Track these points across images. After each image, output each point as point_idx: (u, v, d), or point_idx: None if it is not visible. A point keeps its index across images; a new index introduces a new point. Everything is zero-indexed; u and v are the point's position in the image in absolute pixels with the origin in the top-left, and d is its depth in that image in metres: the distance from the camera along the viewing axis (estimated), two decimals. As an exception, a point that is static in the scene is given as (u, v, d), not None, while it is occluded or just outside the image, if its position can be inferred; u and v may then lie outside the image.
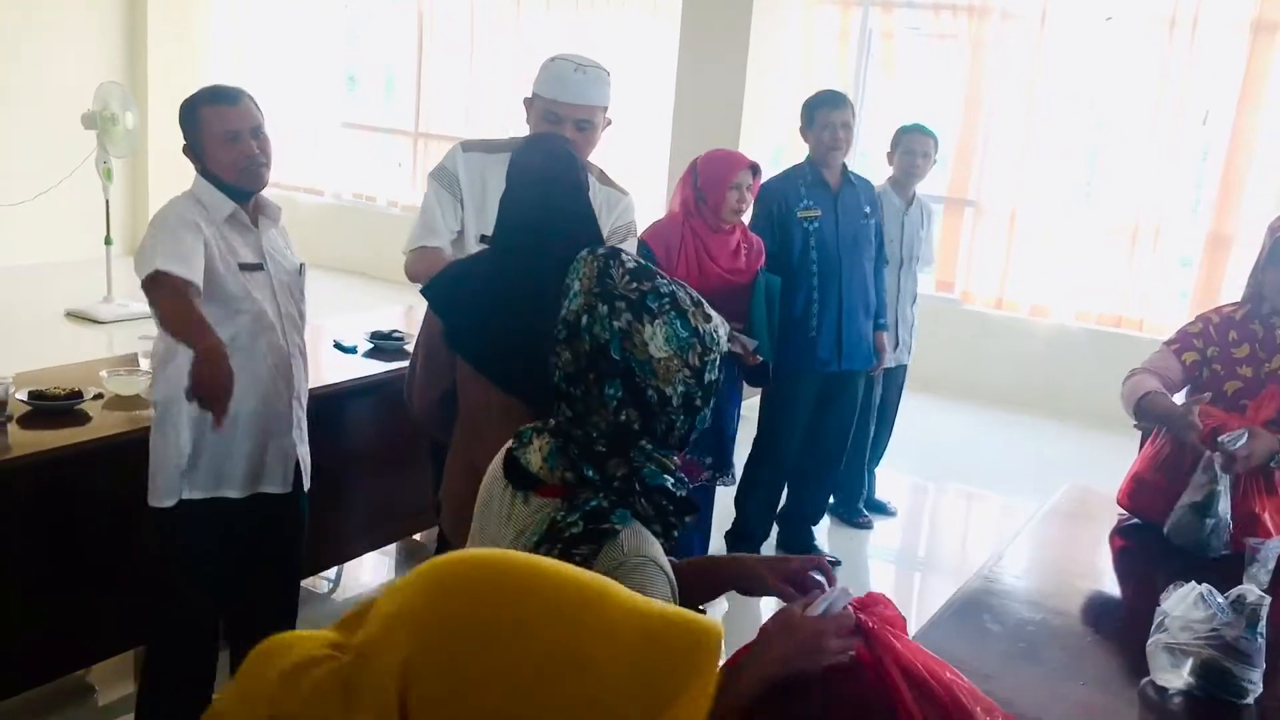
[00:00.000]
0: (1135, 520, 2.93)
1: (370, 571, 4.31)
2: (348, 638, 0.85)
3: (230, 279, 2.66)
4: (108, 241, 7.32)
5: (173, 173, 9.22)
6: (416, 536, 4.37)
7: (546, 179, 2.35)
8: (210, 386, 2.39)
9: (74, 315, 7.29)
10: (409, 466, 4.01)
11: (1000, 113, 6.97)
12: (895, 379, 4.91)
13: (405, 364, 3.83)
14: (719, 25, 6.90)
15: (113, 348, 6.96)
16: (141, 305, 7.41)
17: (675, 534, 1.44)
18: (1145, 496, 2.85)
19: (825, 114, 4.12)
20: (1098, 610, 2.51)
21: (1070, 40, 6.72)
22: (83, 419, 3.03)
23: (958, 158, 7.15)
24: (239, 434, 2.69)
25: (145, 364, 3.40)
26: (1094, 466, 5.96)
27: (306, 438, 2.90)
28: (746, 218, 3.99)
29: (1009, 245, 7.00)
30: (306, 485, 2.90)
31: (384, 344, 3.98)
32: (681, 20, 7.10)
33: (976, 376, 7.02)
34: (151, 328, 2.78)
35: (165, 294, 2.48)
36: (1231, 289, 6.51)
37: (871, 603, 1.45)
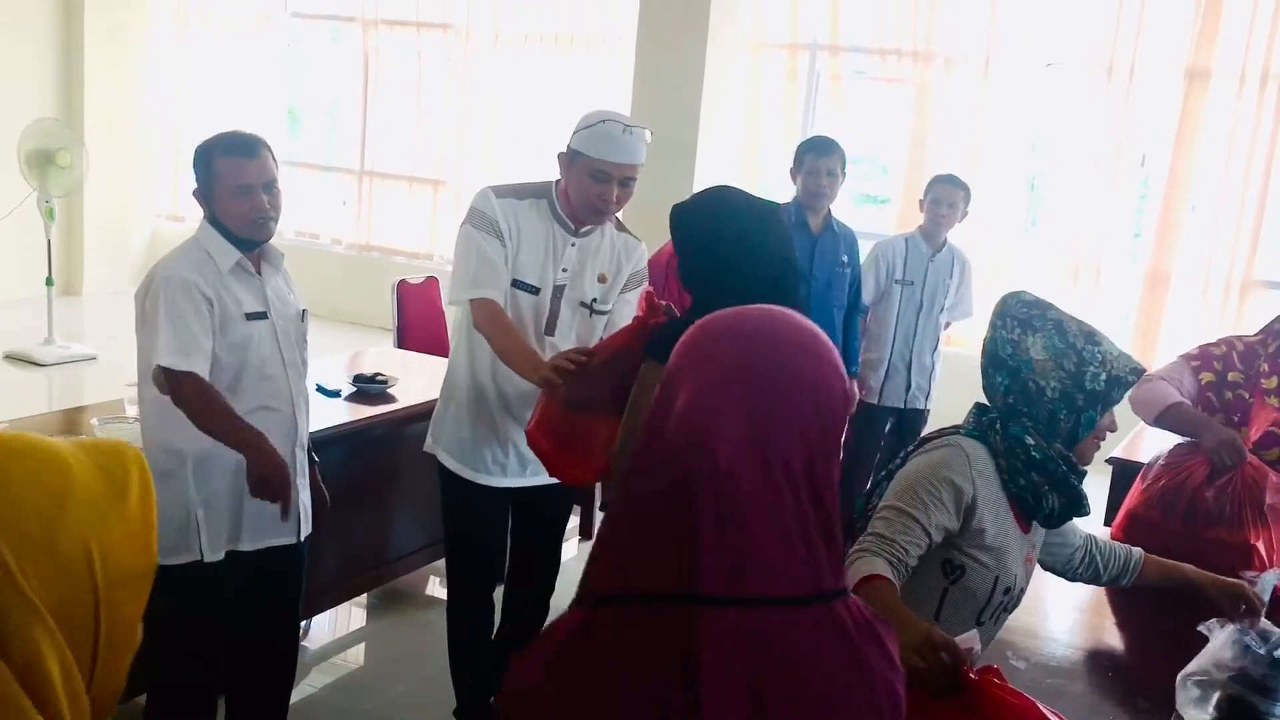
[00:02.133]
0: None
1: (342, 620, 4.24)
2: None
3: (236, 329, 2.64)
4: (49, 283, 7.15)
5: (110, 210, 9.11)
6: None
7: (774, 225, 2.42)
8: (267, 486, 2.50)
9: (13, 358, 7.08)
10: (388, 512, 3.98)
11: (945, 154, 7.14)
12: (914, 424, 4.90)
13: (389, 408, 3.87)
14: (672, 70, 7.00)
15: (53, 390, 6.79)
16: (84, 347, 7.31)
17: (1022, 481, 1.96)
18: (1141, 534, 2.92)
19: (812, 160, 4.21)
20: (1119, 645, 2.56)
21: (1012, 85, 6.94)
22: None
23: (905, 198, 7.30)
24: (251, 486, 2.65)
25: (132, 411, 3.34)
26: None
27: (308, 484, 2.87)
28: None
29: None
30: (307, 532, 2.87)
31: (367, 387, 3.94)
32: (635, 65, 7.18)
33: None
34: (134, 374, 2.76)
35: (187, 394, 2.54)
36: (1171, 324, 6.75)
37: (986, 671, 1.51)
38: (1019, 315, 1.99)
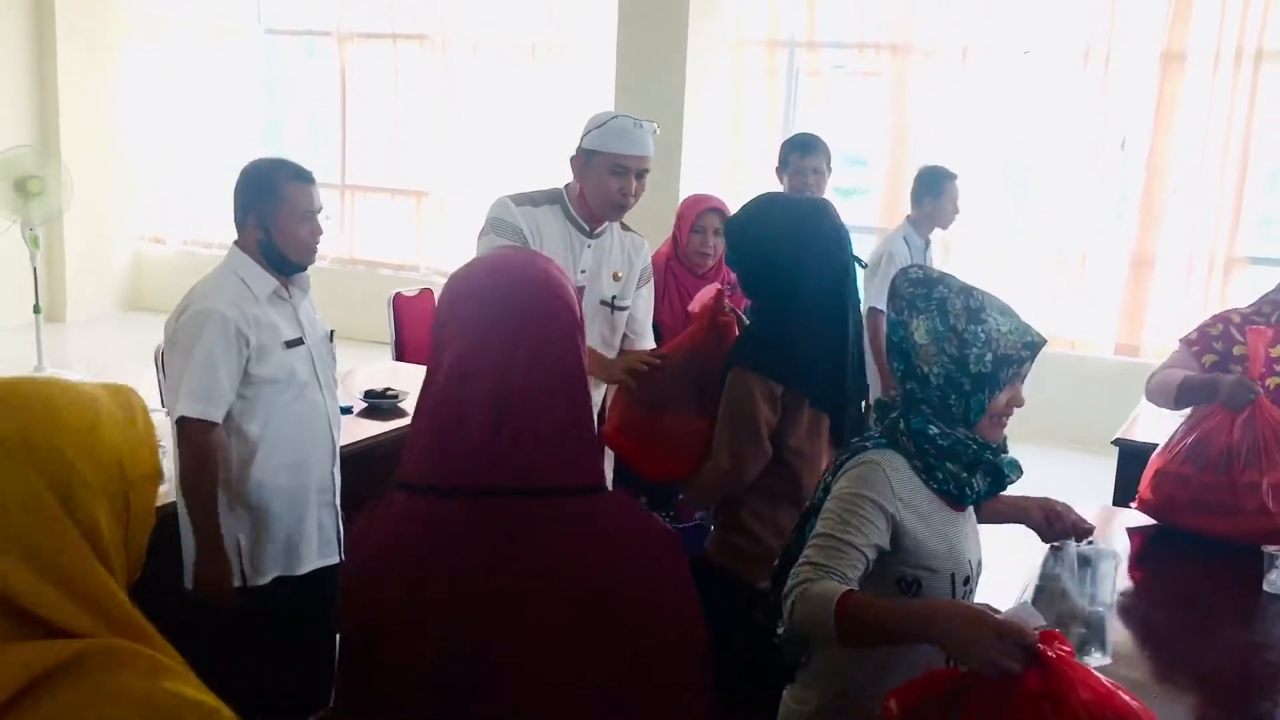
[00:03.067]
0: (1148, 536, 3.06)
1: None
2: None
3: (276, 357, 2.66)
4: (37, 310, 7.09)
5: (90, 234, 9.05)
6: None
7: (834, 227, 2.49)
8: (210, 586, 2.60)
9: (3, 387, 7.01)
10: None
11: (926, 145, 7.21)
12: None
13: (402, 423, 3.87)
14: (654, 73, 7.02)
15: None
16: (74, 374, 7.23)
17: (940, 475, 1.86)
18: (1172, 488, 2.97)
19: (798, 159, 4.24)
20: (1157, 637, 2.59)
21: (990, 75, 7.01)
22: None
23: (887, 190, 7.37)
24: (308, 509, 2.69)
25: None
26: (1043, 484, 6.19)
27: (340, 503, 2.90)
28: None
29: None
30: (343, 552, 2.89)
31: (379, 403, 3.95)
32: (616, 69, 7.19)
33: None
34: (155, 399, 2.77)
35: (187, 449, 2.59)
36: (1157, 304, 6.84)
37: (1050, 638, 1.51)
38: (905, 296, 1.89)
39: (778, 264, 2.47)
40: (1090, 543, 2.14)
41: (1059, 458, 6.60)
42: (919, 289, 1.88)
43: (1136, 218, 6.86)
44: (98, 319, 9.25)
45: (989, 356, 1.82)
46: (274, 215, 2.68)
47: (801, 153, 4.24)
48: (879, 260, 4.86)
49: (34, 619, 1.03)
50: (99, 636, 1.04)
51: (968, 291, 1.88)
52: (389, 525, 1.51)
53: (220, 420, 2.60)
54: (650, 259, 3.33)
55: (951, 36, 7.01)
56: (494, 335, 1.48)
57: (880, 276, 4.76)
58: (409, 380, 4.38)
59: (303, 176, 2.71)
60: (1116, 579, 2.18)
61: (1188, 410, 3.13)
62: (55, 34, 8.71)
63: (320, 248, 8.91)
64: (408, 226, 8.86)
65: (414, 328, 5.68)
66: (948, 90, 7.08)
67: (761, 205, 2.56)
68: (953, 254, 7.17)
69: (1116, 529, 3.18)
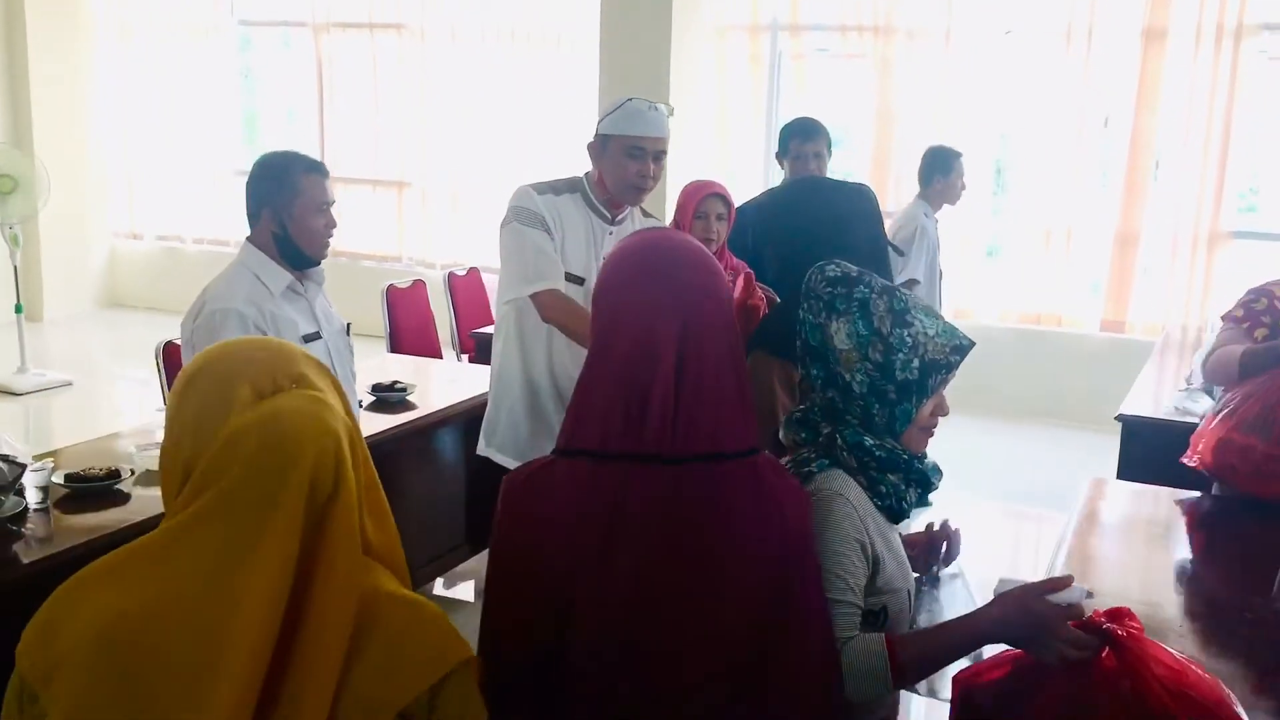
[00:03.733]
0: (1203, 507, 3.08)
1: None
2: None
3: None
4: (18, 309, 7.00)
5: (66, 232, 8.92)
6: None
7: (869, 212, 2.45)
8: None
9: (-12, 389, 6.94)
10: (416, 519, 3.97)
11: (911, 126, 7.23)
12: None
13: (413, 415, 3.85)
14: (638, 60, 7.00)
15: (34, 418, 6.67)
16: (57, 374, 7.17)
17: (884, 489, 1.72)
18: (1233, 457, 2.95)
19: (798, 144, 4.22)
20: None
21: (973, 55, 7.03)
22: (122, 499, 2.92)
23: (874, 171, 7.39)
24: None
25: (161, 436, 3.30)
26: (1037, 460, 6.24)
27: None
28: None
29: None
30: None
31: (387, 396, 3.92)
32: (600, 57, 7.16)
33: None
34: (146, 397, 2.74)
35: None
36: (1142, 282, 6.90)
37: (1119, 615, 1.52)
38: (823, 295, 1.73)
39: (808, 249, 2.45)
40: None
41: (1048, 436, 6.66)
42: (839, 288, 1.73)
43: (1120, 195, 6.91)
44: (76, 317, 9.15)
45: (916, 363, 1.68)
46: (290, 208, 2.66)
47: (802, 138, 4.22)
48: (912, 235, 5.01)
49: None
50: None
51: (890, 292, 1.74)
52: (568, 492, 1.52)
53: None
54: None
55: (934, 17, 7.03)
56: (671, 313, 1.52)
57: (917, 248, 4.97)
58: (409, 373, 4.36)
59: (318, 169, 2.70)
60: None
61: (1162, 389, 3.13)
62: (26, 30, 8.59)
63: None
64: (389, 218, 8.80)
65: (408, 320, 5.65)
66: (931, 71, 7.10)
67: (799, 189, 2.55)
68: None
69: (1128, 503, 3.22)
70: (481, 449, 3.17)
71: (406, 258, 8.71)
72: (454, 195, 8.50)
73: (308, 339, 2.67)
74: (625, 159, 2.98)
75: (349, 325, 2.88)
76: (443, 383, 4.28)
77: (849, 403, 1.71)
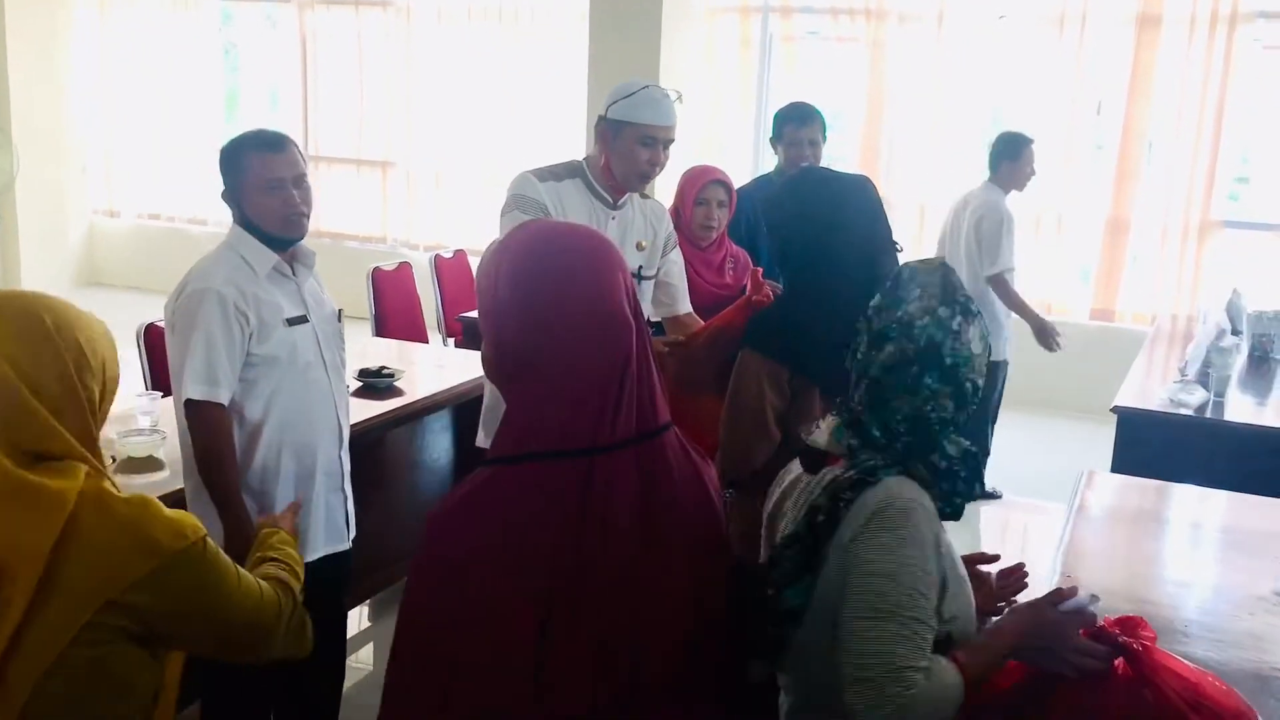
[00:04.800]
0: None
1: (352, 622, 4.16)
2: None
3: (277, 336, 2.56)
4: None
5: (43, 209, 8.79)
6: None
7: (866, 207, 2.36)
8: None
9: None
10: (405, 508, 3.90)
11: (903, 111, 7.18)
12: (994, 376, 5.00)
13: (401, 401, 3.78)
14: (628, 43, 6.91)
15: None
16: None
17: (958, 501, 1.59)
18: None
19: (793, 130, 4.14)
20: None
21: (966, 39, 6.98)
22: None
23: (864, 156, 7.33)
24: (314, 494, 2.59)
25: (144, 421, 3.23)
26: (1026, 451, 6.22)
27: (350, 487, 2.81)
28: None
29: (920, 238, 7.21)
30: (353, 535, 2.81)
31: (375, 382, 3.84)
32: (589, 38, 7.07)
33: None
34: (141, 385, 2.66)
35: (201, 431, 2.50)
36: (1133, 269, 6.88)
37: (1133, 625, 1.49)
38: (959, 300, 1.58)
39: (803, 243, 2.37)
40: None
41: (1036, 425, 6.64)
42: (961, 290, 1.60)
43: (1112, 182, 6.88)
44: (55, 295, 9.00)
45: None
46: (241, 188, 2.58)
47: (797, 123, 4.15)
48: (999, 224, 5.12)
49: (51, 454, 1.49)
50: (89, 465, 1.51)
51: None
52: (528, 497, 1.48)
53: (226, 402, 2.50)
54: (672, 224, 3.35)
55: (926, 2, 6.97)
56: (602, 303, 1.52)
57: (1008, 235, 5.13)
58: (395, 357, 4.29)
59: (269, 145, 2.57)
60: None
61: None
62: (1, 3, 8.42)
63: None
64: (374, 198, 8.70)
65: (394, 303, 5.57)
66: (923, 56, 7.04)
67: (797, 180, 2.49)
68: (927, 221, 7.16)
69: (1130, 497, 3.19)
70: (481, 441, 3.10)
71: (391, 239, 8.62)
72: (439, 176, 8.41)
73: (292, 322, 2.59)
74: (638, 147, 2.97)
75: (340, 311, 2.81)
76: (431, 368, 4.21)
77: (963, 408, 1.58)
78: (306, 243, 2.70)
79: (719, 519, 1.61)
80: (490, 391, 3.10)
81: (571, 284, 1.51)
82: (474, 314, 5.24)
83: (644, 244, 3.17)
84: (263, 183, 2.54)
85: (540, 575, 1.45)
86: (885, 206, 2.44)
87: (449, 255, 6.20)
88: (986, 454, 5.17)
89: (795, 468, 1.73)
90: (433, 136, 8.34)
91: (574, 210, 3.00)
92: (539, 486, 1.47)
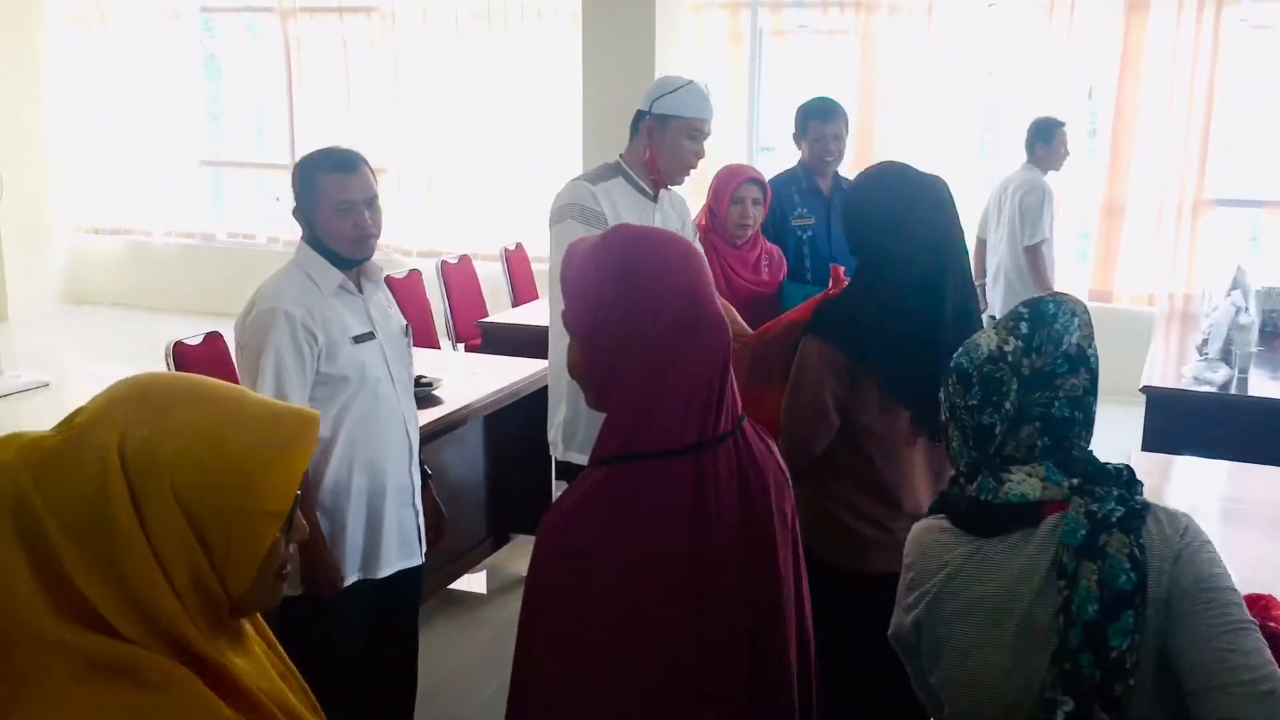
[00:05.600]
0: None
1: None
2: (66, 428, 1.16)
3: (345, 354, 2.55)
4: (-10, 310, 6.80)
5: (27, 228, 8.66)
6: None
7: (936, 203, 2.37)
8: (325, 584, 2.54)
9: (-37, 393, 6.74)
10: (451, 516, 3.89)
11: (895, 101, 7.22)
12: None
13: (443, 411, 3.76)
14: (621, 39, 6.90)
15: (19, 421, 6.48)
16: (33, 374, 6.96)
17: None
18: None
19: (818, 126, 4.16)
20: None
21: (956, 28, 7.03)
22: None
23: (859, 147, 7.35)
24: (385, 510, 2.60)
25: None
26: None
27: (422, 502, 2.80)
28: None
29: (917, 228, 7.26)
30: (425, 551, 2.81)
31: (415, 391, 3.81)
32: (583, 37, 7.06)
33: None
34: None
35: None
36: (1129, 250, 6.96)
37: (1268, 606, 1.51)
38: (1083, 315, 1.59)
39: (875, 233, 2.40)
40: None
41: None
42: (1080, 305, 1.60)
43: (1105, 165, 6.95)
44: (41, 315, 8.89)
45: None
46: (313, 209, 2.58)
47: (821, 119, 4.17)
48: (1041, 199, 5.54)
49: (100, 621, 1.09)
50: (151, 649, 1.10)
51: None
52: (647, 495, 1.49)
53: None
54: (690, 213, 3.46)
55: (916, -9, 7.02)
56: (700, 303, 1.55)
57: (1048, 207, 5.56)
58: (423, 365, 4.24)
59: (340, 167, 2.58)
60: None
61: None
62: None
63: (272, 231, 8.74)
64: (365, 205, 8.63)
65: (407, 311, 5.48)
66: (914, 46, 7.09)
67: (877, 170, 2.51)
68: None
69: (1178, 477, 3.23)
70: (560, 454, 3.10)
71: (385, 245, 8.55)
72: (430, 181, 8.37)
73: (359, 339, 2.58)
74: (686, 140, 3.06)
75: (408, 326, 2.80)
76: (463, 375, 4.20)
77: (1090, 424, 1.57)
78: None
79: (794, 506, 1.67)
80: (570, 403, 3.08)
81: (672, 285, 1.53)
82: (492, 319, 5.24)
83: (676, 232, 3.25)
84: (335, 204, 2.54)
85: (670, 569, 1.48)
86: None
87: (454, 260, 6.18)
88: None
89: (953, 545, 1.59)
90: (423, 142, 8.30)
91: (625, 210, 3.04)
92: (656, 484, 1.49)
